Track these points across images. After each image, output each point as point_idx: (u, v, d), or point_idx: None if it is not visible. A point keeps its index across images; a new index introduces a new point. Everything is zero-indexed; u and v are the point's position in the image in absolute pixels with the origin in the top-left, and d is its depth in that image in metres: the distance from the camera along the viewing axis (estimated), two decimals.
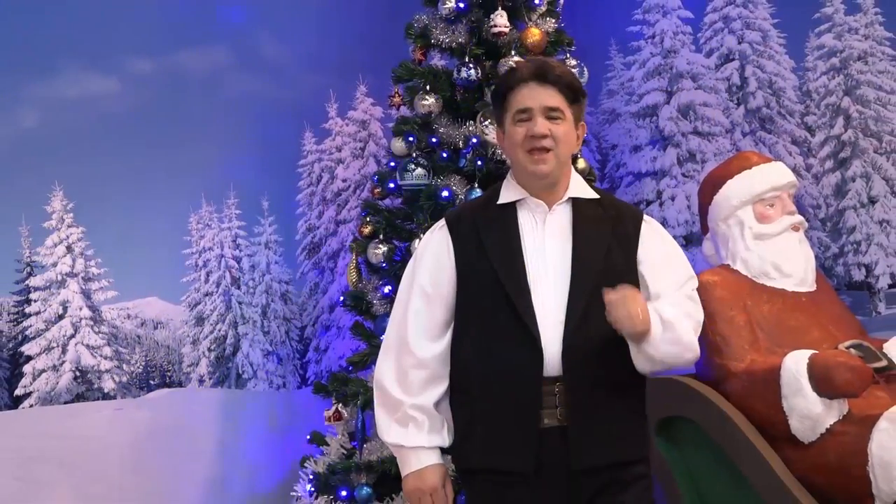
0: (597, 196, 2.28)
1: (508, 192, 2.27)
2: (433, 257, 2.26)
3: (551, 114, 2.17)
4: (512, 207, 2.25)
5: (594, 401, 2.11)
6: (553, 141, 2.16)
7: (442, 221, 2.31)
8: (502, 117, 2.26)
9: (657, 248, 2.27)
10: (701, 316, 2.27)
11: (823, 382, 2.87)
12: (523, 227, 2.22)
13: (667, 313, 2.12)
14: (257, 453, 5.84)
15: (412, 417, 2.19)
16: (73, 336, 16.18)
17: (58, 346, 15.99)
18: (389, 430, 2.22)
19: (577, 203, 2.25)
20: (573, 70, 3.30)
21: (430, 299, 2.23)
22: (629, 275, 2.20)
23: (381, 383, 2.25)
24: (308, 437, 4.27)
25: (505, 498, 2.16)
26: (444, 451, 2.25)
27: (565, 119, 2.19)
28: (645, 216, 2.32)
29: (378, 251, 4.09)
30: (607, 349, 2.13)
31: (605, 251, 2.18)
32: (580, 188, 2.27)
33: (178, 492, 5.50)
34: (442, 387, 2.22)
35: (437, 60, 4.34)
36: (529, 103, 2.18)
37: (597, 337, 2.11)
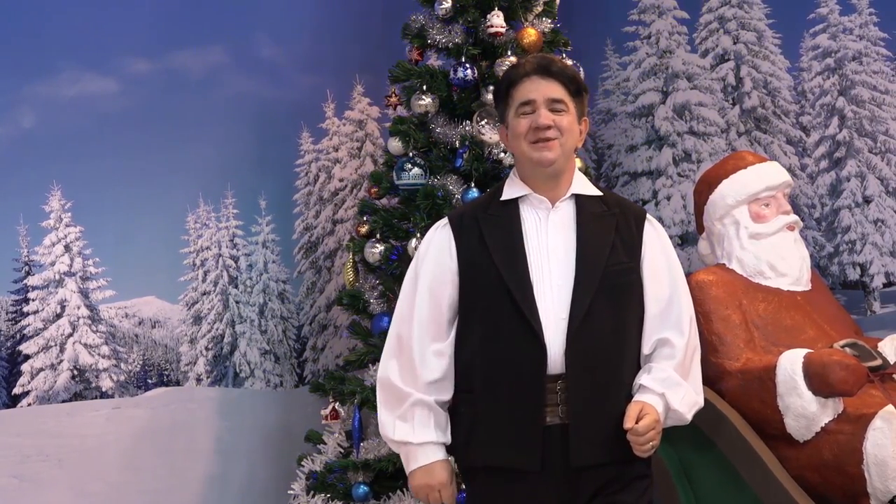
0: (600, 193, 2.29)
1: (511, 189, 2.27)
2: (436, 255, 2.25)
3: (555, 105, 2.18)
4: (515, 204, 2.25)
5: (595, 398, 2.12)
6: (557, 131, 2.17)
7: (444, 220, 2.31)
8: (505, 113, 2.26)
9: (659, 262, 2.26)
10: (699, 370, 2.30)
11: (819, 381, 2.88)
12: (526, 224, 2.22)
13: (675, 402, 2.16)
14: (254, 451, 5.83)
15: (418, 413, 2.18)
16: (71, 335, 16.11)
17: (56, 344, 15.91)
18: (395, 428, 2.19)
19: (580, 200, 2.25)
20: None
21: (433, 298, 2.22)
22: (631, 273, 2.22)
23: (386, 380, 2.23)
24: (305, 435, 4.28)
25: (507, 495, 2.17)
26: (447, 449, 2.24)
27: (569, 111, 2.20)
28: (648, 216, 2.32)
29: (375, 250, 4.09)
30: (609, 347, 2.15)
31: (608, 248, 2.19)
32: (583, 185, 2.28)
33: (176, 489, 5.49)
34: (446, 384, 2.21)
35: (434, 60, 4.35)
36: (533, 95, 2.18)
37: (599, 335, 2.13)
